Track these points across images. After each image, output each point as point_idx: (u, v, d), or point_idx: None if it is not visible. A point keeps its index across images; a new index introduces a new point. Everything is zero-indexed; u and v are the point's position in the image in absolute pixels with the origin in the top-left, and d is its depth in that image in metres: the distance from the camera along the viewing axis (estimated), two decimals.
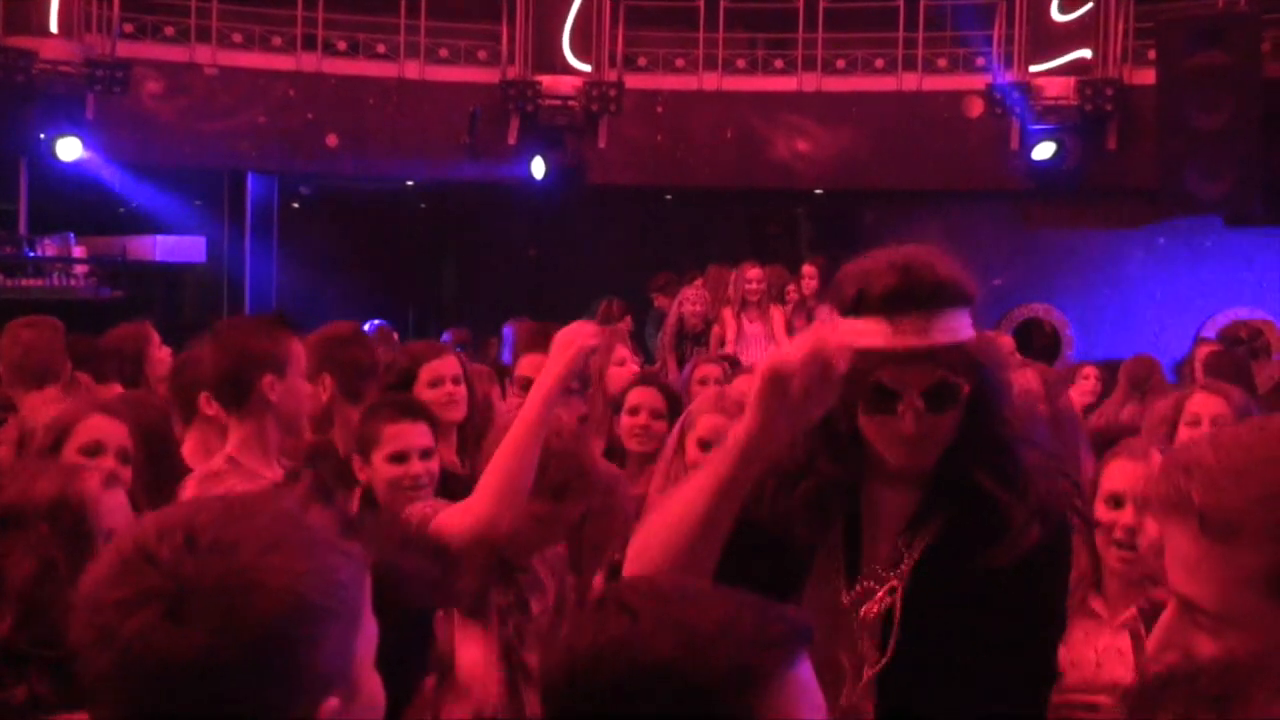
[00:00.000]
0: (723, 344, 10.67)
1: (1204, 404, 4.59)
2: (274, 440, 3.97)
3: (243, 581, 1.35)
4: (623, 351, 6.07)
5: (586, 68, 13.15)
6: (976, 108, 12.97)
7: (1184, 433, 4.36)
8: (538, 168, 13.03)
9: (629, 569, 2.52)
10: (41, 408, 5.27)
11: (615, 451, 5.00)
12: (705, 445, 4.40)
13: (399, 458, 3.76)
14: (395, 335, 9.52)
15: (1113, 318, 13.02)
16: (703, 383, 6.62)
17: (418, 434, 3.82)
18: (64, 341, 5.70)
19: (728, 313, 10.85)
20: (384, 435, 3.79)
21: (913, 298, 2.25)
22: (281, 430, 3.99)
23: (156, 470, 4.13)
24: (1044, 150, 12.52)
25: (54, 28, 11.85)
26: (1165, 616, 1.49)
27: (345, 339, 4.92)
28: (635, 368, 5.51)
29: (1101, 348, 11.24)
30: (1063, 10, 12.67)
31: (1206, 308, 12.70)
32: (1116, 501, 3.24)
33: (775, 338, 10.83)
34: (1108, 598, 3.26)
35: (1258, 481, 1.41)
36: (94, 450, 3.62)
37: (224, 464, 3.89)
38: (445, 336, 11.08)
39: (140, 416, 4.41)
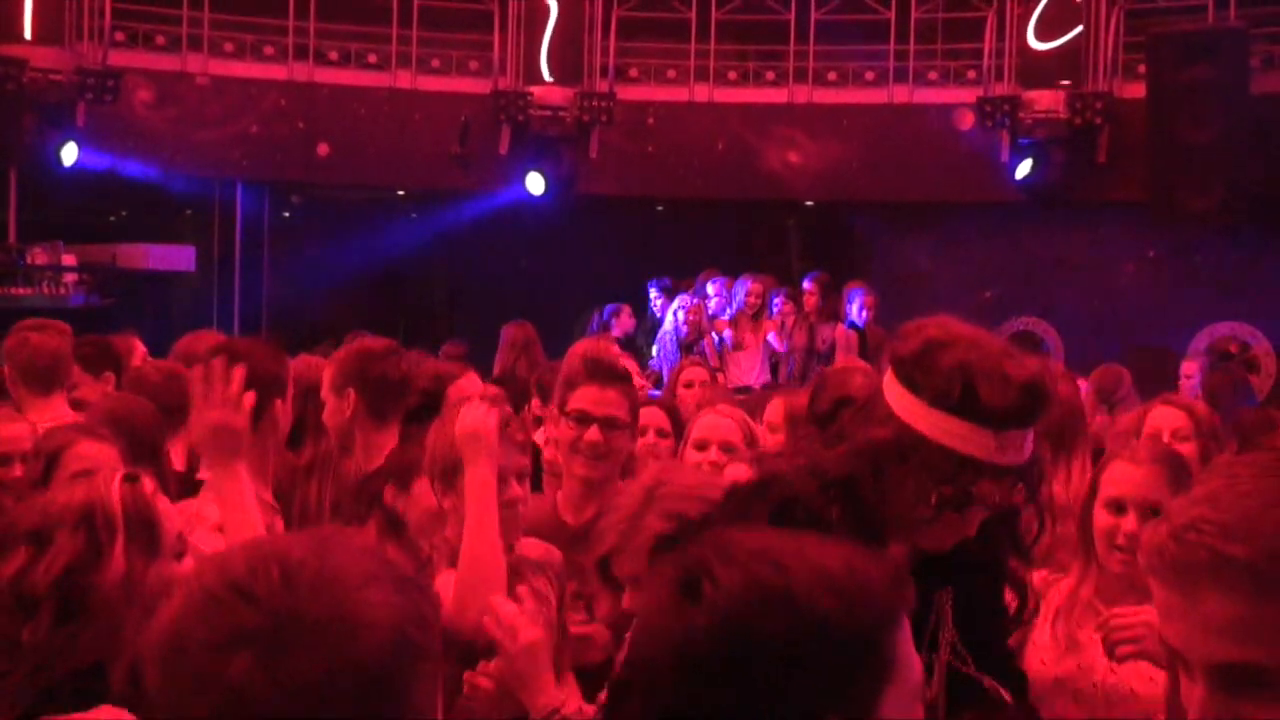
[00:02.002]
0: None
1: (1163, 418, 4.68)
2: (272, 463, 3.97)
3: (348, 617, 1.28)
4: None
5: (563, 86, 13.12)
6: (967, 120, 13.01)
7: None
8: (536, 184, 13.02)
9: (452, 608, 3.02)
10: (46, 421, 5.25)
11: None
12: (702, 446, 4.43)
13: None
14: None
15: (1104, 331, 13.03)
16: (688, 386, 6.66)
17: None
18: (71, 346, 5.62)
19: (712, 327, 10.89)
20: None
21: (1028, 419, 2.22)
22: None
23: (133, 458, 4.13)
24: (1023, 169, 12.60)
25: (28, 34, 11.83)
26: (1197, 695, 1.41)
27: (378, 355, 4.82)
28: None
29: (1092, 361, 11.23)
30: (1041, 38, 12.72)
31: (1197, 321, 12.73)
32: (1118, 507, 3.22)
33: (761, 350, 10.86)
34: (1109, 602, 3.20)
35: (1275, 525, 1.38)
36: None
37: None
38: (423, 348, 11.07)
39: (132, 421, 4.42)
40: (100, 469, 3.56)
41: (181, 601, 1.32)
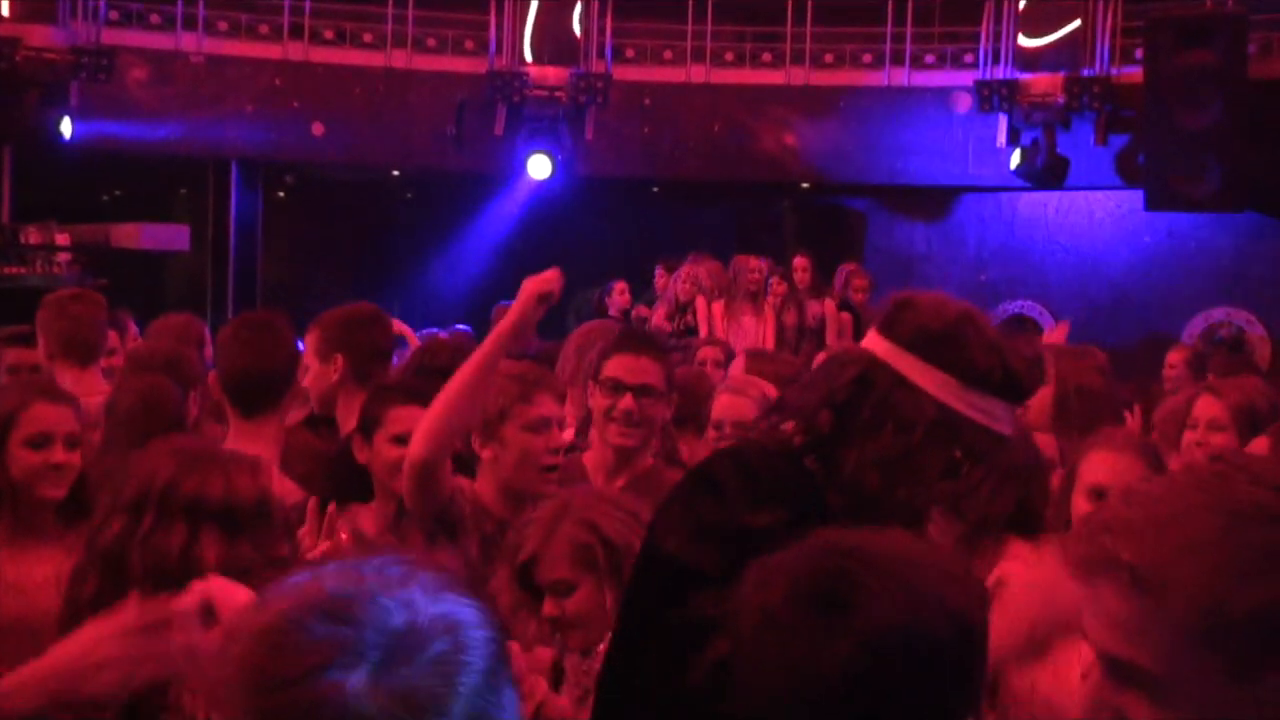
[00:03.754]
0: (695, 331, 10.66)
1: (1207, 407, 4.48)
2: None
3: (450, 629, 1.33)
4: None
5: (549, 66, 13.08)
6: (964, 103, 12.99)
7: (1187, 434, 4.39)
8: (541, 168, 12.97)
9: (414, 445, 3.38)
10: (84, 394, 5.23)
11: None
12: (718, 426, 4.48)
13: (402, 440, 3.69)
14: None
15: (1099, 315, 13.05)
16: (702, 364, 6.67)
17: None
18: (105, 316, 5.52)
19: (701, 301, 10.83)
20: (388, 418, 3.79)
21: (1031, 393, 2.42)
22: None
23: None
24: (1014, 160, 12.61)
25: (5, 11, 11.76)
26: (1091, 680, 1.48)
27: (365, 320, 4.86)
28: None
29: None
30: (1035, 33, 12.70)
31: (1192, 306, 12.74)
32: (1099, 494, 3.20)
33: (767, 329, 10.81)
34: None
35: (1179, 532, 1.42)
36: (41, 442, 3.57)
37: None
38: (424, 328, 11.04)
39: (153, 390, 4.45)
40: (55, 433, 3.57)
41: (259, 635, 1.32)
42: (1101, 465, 3.24)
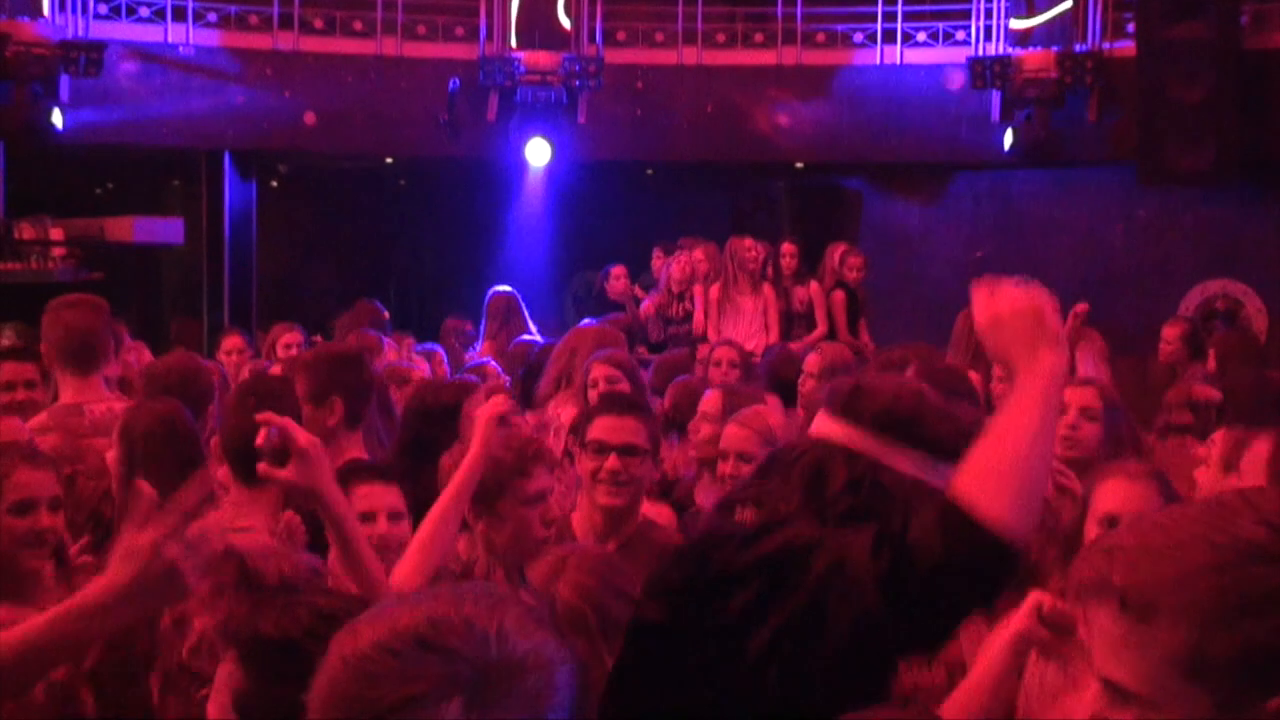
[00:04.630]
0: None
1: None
2: None
3: (540, 660, 1.35)
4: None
5: (538, 51, 13.03)
6: (957, 81, 12.96)
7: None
8: (539, 153, 12.91)
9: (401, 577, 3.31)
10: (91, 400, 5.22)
11: None
12: (724, 456, 4.63)
13: (368, 518, 3.73)
14: (385, 315, 9.46)
15: (1094, 291, 13.03)
16: (716, 365, 6.67)
17: (388, 496, 3.87)
18: (107, 321, 5.49)
19: (699, 289, 10.79)
20: (354, 496, 3.75)
21: None
22: None
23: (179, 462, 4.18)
24: (1008, 139, 12.59)
25: None
26: (1089, 696, 1.51)
27: (351, 360, 4.86)
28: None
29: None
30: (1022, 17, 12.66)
31: (1187, 281, 12.73)
32: (1111, 523, 3.16)
33: (768, 315, 10.77)
34: None
35: (1173, 562, 1.43)
36: (25, 509, 3.54)
37: None
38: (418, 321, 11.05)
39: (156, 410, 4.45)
40: (40, 499, 3.54)
41: (348, 662, 1.33)
42: (1114, 494, 3.21)
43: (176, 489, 4.24)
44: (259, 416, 3.06)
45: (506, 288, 10.03)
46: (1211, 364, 8.29)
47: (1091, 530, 3.22)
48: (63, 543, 3.64)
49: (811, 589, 2.28)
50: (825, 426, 2.51)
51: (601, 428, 4.02)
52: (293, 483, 3.02)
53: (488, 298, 10.05)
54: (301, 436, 3.01)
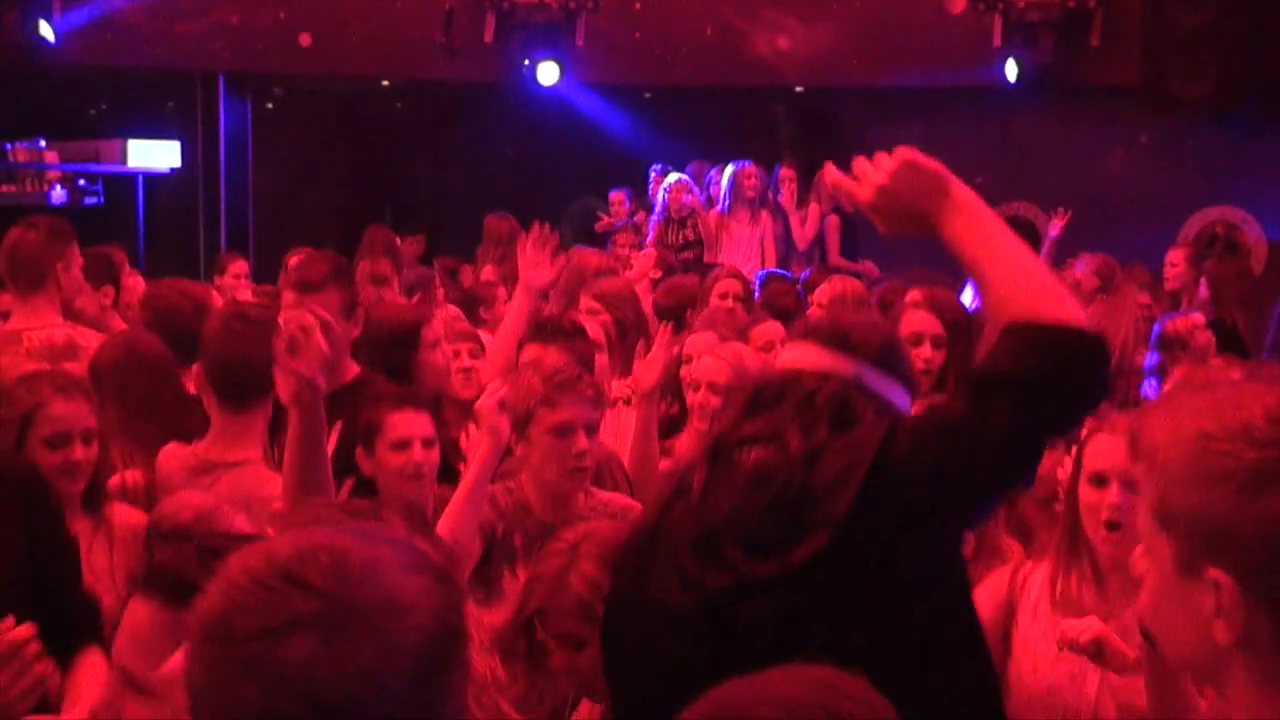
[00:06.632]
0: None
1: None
2: None
3: (399, 603, 1.33)
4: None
5: None
6: (959, 4, 12.81)
7: None
8: (549, 74, 12.75)
9: None
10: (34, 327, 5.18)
11: None
12: (694, 386, 4.76)
13: (403, 446, 3.84)
14: (398, 240, 9.43)
15: (1095, 216, 12.99)
16: (723, 297, 6.62)
17: (420, 423, 3.91)
18: (62, 246, 5.38)
19: (704, 215, 10.75)
20: (387, 425, 3.87)
21: None
22: None
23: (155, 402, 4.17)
24: (1011, 71, 12.45)
25: None
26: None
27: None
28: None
29: (1084, 246, 11.22)
30: None
31: (1188, 207, 12.68)
32: (1100, 480, 3.11)
33: (767, 238, 10.73)
34: (1103, 587, 3.10)
35: (1173, 423, 1.55)
36: (59, 442, 3.54)
37: None
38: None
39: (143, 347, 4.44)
40: (73, 431, 3.54)
41: (223, 590, 1.35)
42: (1103, 451, 3.13)
43: (149, 419, 4.25)
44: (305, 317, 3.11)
45: (505, 214, 9.97)
46: (1204, 292, 8.32)
47: (1085, 491, 3.15)
48: (97, 472, 3.65)
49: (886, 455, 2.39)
50: (819, 359, 2.52)
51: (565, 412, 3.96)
52: (301, 373, 3.09)
53: (487, 222, 10.00)
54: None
